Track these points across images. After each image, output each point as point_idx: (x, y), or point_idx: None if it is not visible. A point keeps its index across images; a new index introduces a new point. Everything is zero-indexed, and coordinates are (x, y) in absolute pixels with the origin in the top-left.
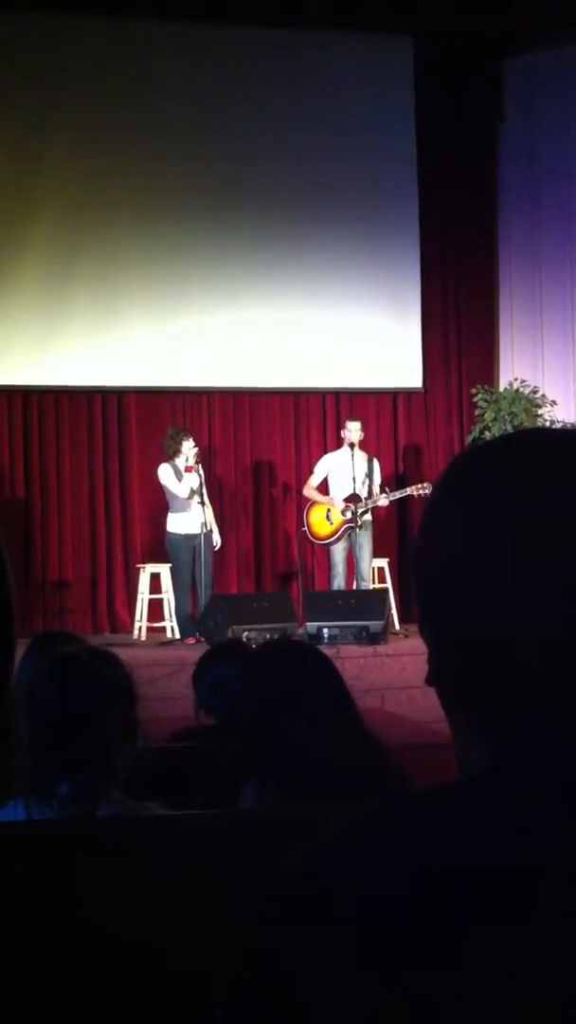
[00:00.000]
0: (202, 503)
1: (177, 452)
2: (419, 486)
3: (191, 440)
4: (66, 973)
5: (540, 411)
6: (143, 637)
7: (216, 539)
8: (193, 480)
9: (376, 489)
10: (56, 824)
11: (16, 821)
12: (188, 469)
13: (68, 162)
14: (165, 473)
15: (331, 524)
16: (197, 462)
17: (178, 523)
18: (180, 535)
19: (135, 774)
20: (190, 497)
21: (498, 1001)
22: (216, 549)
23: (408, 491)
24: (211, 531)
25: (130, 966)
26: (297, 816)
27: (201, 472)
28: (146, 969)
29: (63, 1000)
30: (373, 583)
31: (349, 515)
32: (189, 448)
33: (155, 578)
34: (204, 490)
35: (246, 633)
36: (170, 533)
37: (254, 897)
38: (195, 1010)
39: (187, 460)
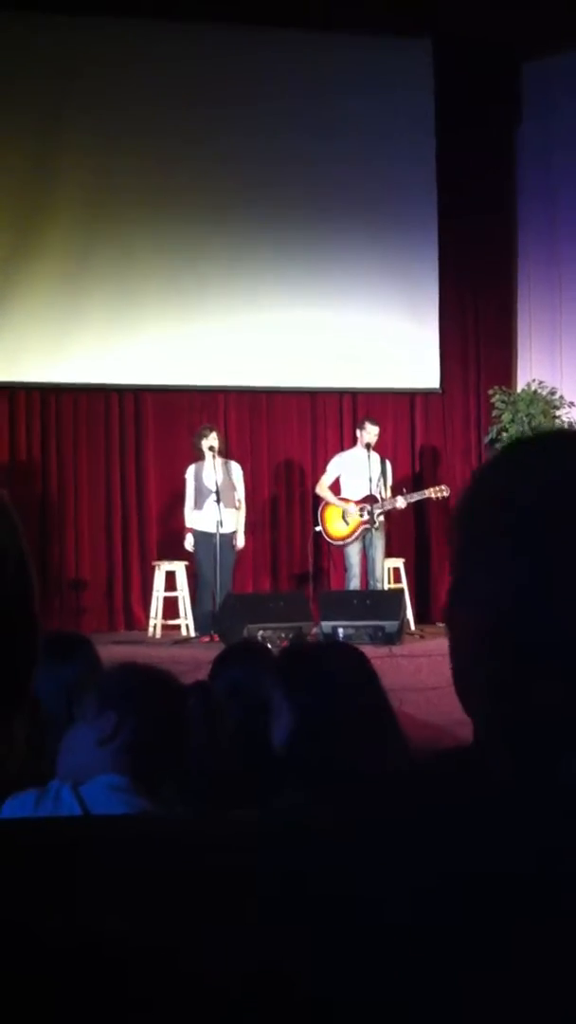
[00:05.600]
0: (217, 501)
1: (200, 449)
2: (436, 488)
3: (212, 435)
4: (67, 975)
5: (558, 412)
6: (158, 635)
7: (237, 540)
8: (209, 478)
9: (388, 491)
10: (56, 823)
11: (15, 819)
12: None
13: (84, 163)
14: (188, 474)
15: (348, 525)
16: (213, 457)
17: (197, 520)
18: (200, 532)
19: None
20: (207, 495)
21: (504, 1008)
22: (238, 549)
23: (426, 494)
24: (234, 531)
25: (133, 969)
26: (299, 818)
27: (230, 469)
28: (149, 972)
29: (63, 1002)
30: (388, 584)
31: (366, 516)
32: (207, 443)
33: (170, 576)
34: (233, 489)
35: (261, 632)
36: (193, 530)
37: (259, 896)
38: (198, 1013)
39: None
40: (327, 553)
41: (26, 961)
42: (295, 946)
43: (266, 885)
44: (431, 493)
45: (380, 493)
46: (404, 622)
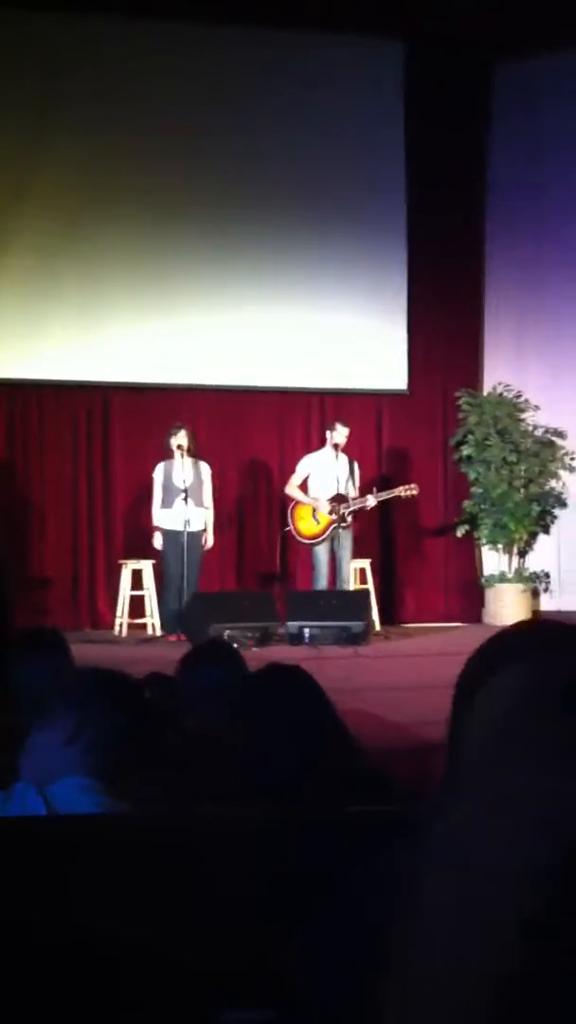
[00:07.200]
0: (186, 500)
1: (169, 447)
2: (406, 487)
3: (181, 433)
4: (61, 974)
5: (523, 415)
6: (124, 634)
7: (206, 539)
8: (178, 476)
9: (356, 491)
10: (52, 821)
11: (10, 817)
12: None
13: (59, 159)
14: (156, 472)
15: (318, 524)
16: (182, 456)
17: (164, 518)
18: (167, 530)
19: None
20: (176, 494)
21: None
22: (206, 549)
23: (395, 492)
24: (202, 530)
25: (127, 967)
26: (291, 817)
27: (199, 468)
28: (143, 970)
29: (57, 1001)
30: (355, 584)
31: (335, 515)
32: (176, 441)
33: (136, 575)
34: (202, 488)
35: (227, 632)
36: (161, 528)
37: (255, 896)
38: (189, 1011)
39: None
40: (295, 553)
41: (18, 958)
42: (289, 944)
43: (262, 884)
44: (400, 492)
45: (348, 494)
46: (370, 623)
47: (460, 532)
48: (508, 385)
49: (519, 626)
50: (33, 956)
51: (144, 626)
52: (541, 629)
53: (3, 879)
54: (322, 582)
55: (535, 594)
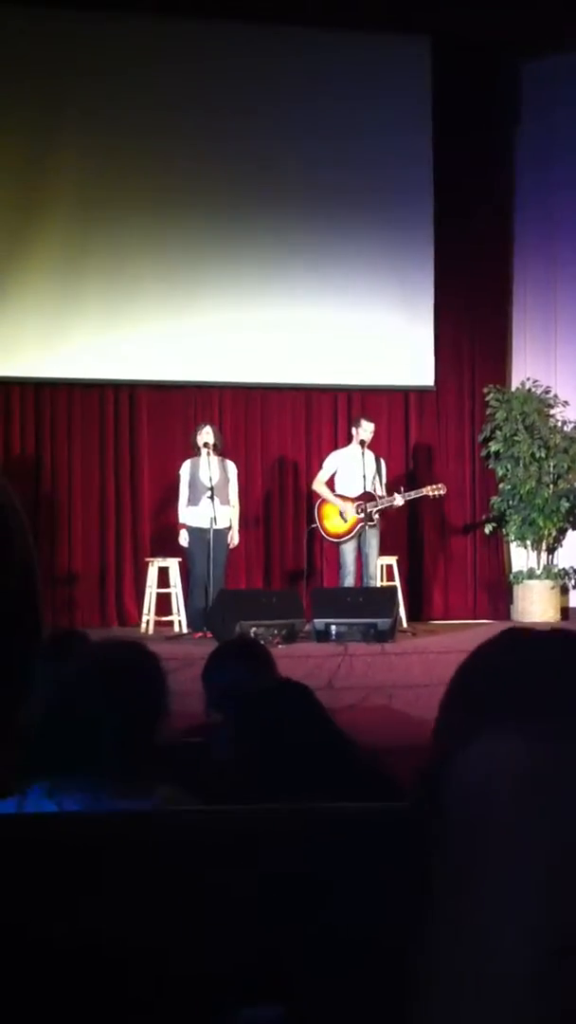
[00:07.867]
0: (212, 498)
1: (195, 445)
2: (433, 487)
3: (206, 430)
4: (65, 976)
5: (552, 411)
6: (151, 631)
7: (232, 537)
8: (204, 474)
9: (383, 488)
10: (54, 820)
11: (11, 815)
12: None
13: (81, 158)
14: (182, 470)
15: (345, 522)
16: (208, 453)
17: (190, 516)
18: (192, 528)
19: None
20: (202, 491)
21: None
22: (231, 547)
23: (423, 492)
24: (228, 528)
25: (131, 969)
26: (296, 817)
27: (225, 466)
28: (147, 972)
29: (61, 1003)
30: (381, 581)
31: (362, 514)
32: (202, 439)
33: (163, 572)
34: (228, 486)
35: (253, 629)
36: (186, 526)
37: (259, 897)
38: (197, 1013)
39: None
40: (321, 550)
41: (28, 962)
42: (294, 945)
43: (265, 885)
44: (428, 491)
45: (375, 491)
46: (396, 619)
47: (488, 529)
48: (536, 381)
49: (496, 647)
50: (40, 956)
51: (171, 623)
52: (518, 655)
53: (5, 879)
54: (348, 580)
55: (563, 590)
